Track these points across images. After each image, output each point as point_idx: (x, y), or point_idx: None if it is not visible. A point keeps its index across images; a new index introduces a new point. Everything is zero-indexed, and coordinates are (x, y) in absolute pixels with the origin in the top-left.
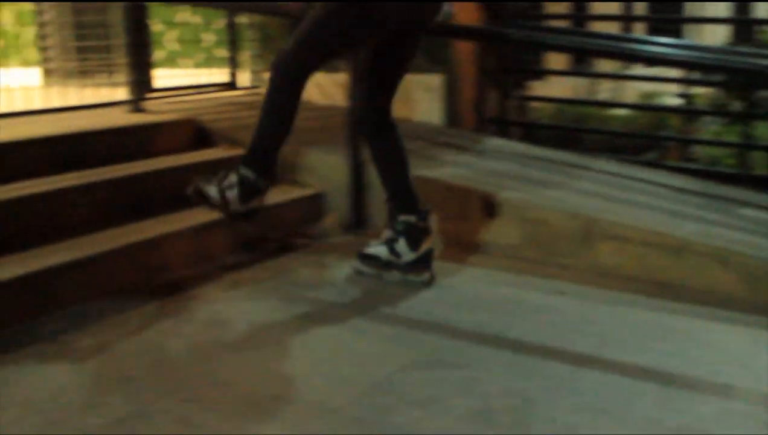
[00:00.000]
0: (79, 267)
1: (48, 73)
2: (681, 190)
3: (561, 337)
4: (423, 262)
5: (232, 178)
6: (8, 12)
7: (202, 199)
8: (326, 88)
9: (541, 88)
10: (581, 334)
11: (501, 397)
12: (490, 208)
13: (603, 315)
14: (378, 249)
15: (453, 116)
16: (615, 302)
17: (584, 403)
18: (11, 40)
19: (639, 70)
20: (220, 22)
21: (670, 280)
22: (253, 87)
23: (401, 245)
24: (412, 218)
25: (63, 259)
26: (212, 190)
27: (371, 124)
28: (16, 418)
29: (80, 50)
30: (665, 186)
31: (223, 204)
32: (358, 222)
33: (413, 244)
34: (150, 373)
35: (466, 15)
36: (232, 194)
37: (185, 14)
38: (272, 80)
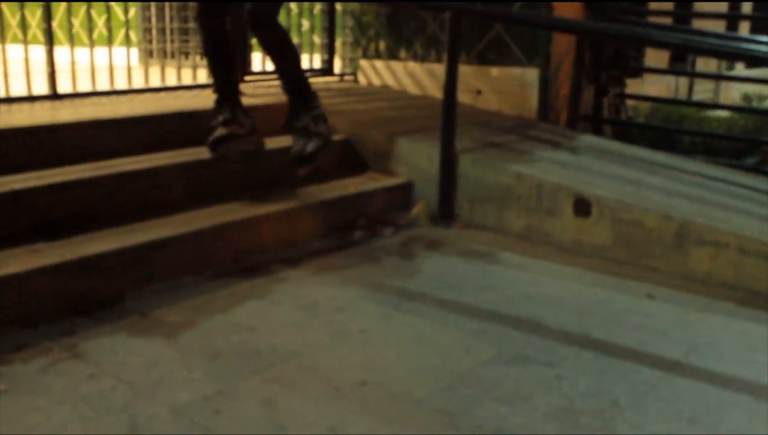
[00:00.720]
0: (171, 244)
1: (148, 53)
2: None
3: (650, 341)
4: None
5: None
6: None
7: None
8: (418, 78)
9: (639, 86)
10: (671, 339)
11: (586, 398)
12: (581, 206)
13: (694, 321)
14: None
15: (546, 111)
16: (707, 309)
17: (673, 411)
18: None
19: (740, 71)
20: (318, 7)
21: (766, 290)
22: (346, 74)
23: None
24: None
25: (157, 236)
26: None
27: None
28: (108, 388)
29: (182, 32)
30: (765, 192)
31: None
32: (446, 213)
33: None
34: (237, 353)
35: (568, 10)
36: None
37: None
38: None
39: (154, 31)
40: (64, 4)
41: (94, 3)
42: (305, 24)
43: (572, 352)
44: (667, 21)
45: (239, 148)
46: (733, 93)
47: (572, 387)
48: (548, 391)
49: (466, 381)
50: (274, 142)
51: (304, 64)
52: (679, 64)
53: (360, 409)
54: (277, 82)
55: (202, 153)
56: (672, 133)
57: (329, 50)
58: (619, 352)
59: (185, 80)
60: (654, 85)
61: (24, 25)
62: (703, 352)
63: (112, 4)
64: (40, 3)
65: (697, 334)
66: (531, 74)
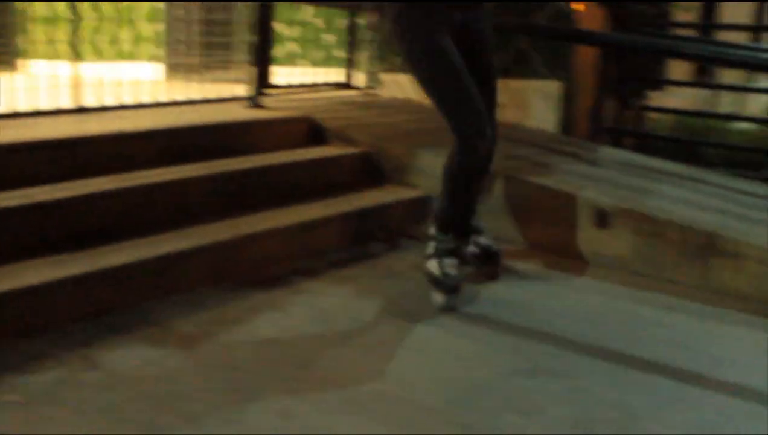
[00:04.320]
0: (191, 256)
1: (172, 67)
2: None
3: (668, 352)
4: None
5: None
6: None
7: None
8: None
9: (661, 98)
10: (691, 350)
11: (603, 408)
12: (601, 218)
13: (714, 333)
14: None
15: (568, 124)
16: (728, 321)
17: (690, 422)
18: (143, 35)
19: (764, 82)
20: (341, 23)
21: None
22: (367, 87)
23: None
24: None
25: (177, 247)
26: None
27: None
28: (125, 399)
29: (205, 46)
30: None
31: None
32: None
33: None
34: (254, 364)
35: (591, 21)
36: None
37: (307, 14)
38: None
39: (179, 47)
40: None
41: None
42: (329, 38)
43: (590, 363)
44: (691, 32)
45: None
46: (757, 105)
47: (589, 398)
48: (566, 402)
49: (484, 392)
50: (295, 155)
51: (326, 77)
52: (703, 76)
53: (377, 419)
54: (297, 96)
55: (223, 165)
56: (694, 145)
57: (350, 64)
58: (638, 364)
59: (209, 94)
60: (678, 97)
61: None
62: (724, 364)
63: (138, 19)
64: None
65: (717, 346)
66: (553, 87)
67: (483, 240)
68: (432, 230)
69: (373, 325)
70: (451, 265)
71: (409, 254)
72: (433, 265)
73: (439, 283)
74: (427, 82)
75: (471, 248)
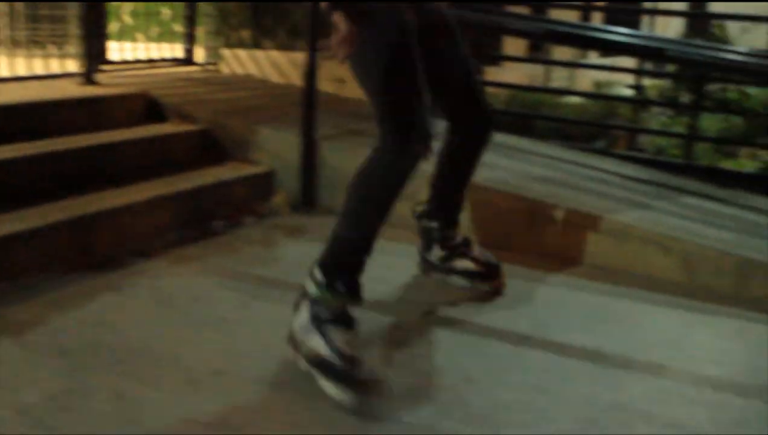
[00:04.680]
0: (22, 239)
1: None
2: (627, 177)
3: (503, 318)
4: None
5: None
6: None
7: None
8: (282, 67)
9: (500, 74)
10: (522, 315)
11: (441, 374)
12: None
13: (544, 297)
14: None
15: None
16: (557, 284)
17: (524, 382)
18: None
19: (593, 59)
20: None
21: (613, 265)
22: (208, 63)
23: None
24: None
25: (7, 231)
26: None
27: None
28: None
29: (31, 18)
30: (612, 173)
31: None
32: (307, 201)
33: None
34: (88, 349)
35: None
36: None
37: None
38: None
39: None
40: None
41: None
42: (165, 12)
43: (429, 331)
44: (525, 10)
45: None
46: (586, 80)
47: (428, 365)
48: (405, 370)
49: None
50: (131, 133)
51: (165, 53)
52: (538, 53)
53: (217, 398)
54: (134, 72)
55: (53, 145)
56: (528, 118)
57: (190, 39)
58: (475, 329)
59: (39, 70)
60: (514, 72)
61: None
62: (553, 325)
63: None
64: None
65: (547, 309)
66: None
67: (479, 253)
68: (311, 285)
69: (213, 304)
70: (343, 338)
71: (250, 231)
72: (315, 342)
73: (331, 369)
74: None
75: (470, 266)
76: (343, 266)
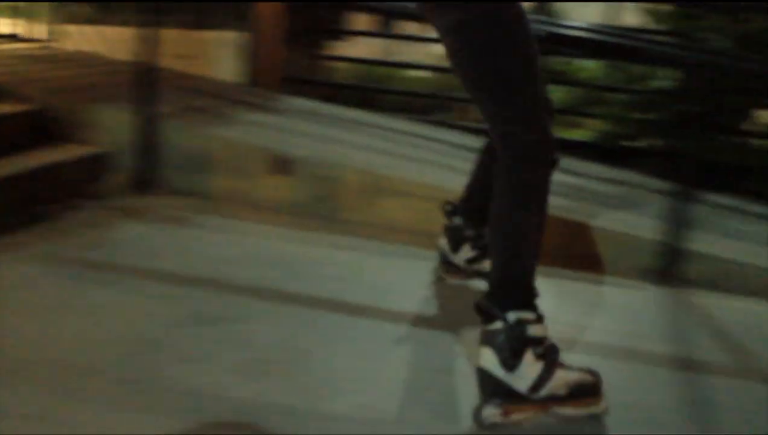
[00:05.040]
0: None
1: None
2: (462, 146)
3: (337, 288)
4: None
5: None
6: None
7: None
8: (119, 44)
9: (349, 48)
10: (359, 284)
11: (275, 349)
12: (281, 166)
13: (380, 266)
14: None
15: (254, 75)
16: (392, 255)
17: (361, 352)
18: None
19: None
20: None
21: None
22: (48, 39)
23: None
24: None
25: None
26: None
27: None
28: None
29: None
30: (449, 143)
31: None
32: (146, 181)
33: None
34: None
35: None
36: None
37: None
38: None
39: None
40: None
41: None
42: None
43: (265, 307)
44: None
45: None
46: (431, 54)
47: (263, 340)
48: (239, 346)
49: (152, 346)
50: None
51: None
52: (386, 27)
53: (35, 387)
54: None
55: None
56: (374, 92)
57: (27, 14)
58: (308, 303)
59: None
60: (368, 47)
61: None
62: (390, 294)
63: None
64: None
65: (378, 278)
66: (237, 38)
67: None
68: (495, 312)
69: (35, 290)
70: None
71: (84, 214)
72: (557, 376)
73: (590, 388)
74: None
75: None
76: (521, 294)
